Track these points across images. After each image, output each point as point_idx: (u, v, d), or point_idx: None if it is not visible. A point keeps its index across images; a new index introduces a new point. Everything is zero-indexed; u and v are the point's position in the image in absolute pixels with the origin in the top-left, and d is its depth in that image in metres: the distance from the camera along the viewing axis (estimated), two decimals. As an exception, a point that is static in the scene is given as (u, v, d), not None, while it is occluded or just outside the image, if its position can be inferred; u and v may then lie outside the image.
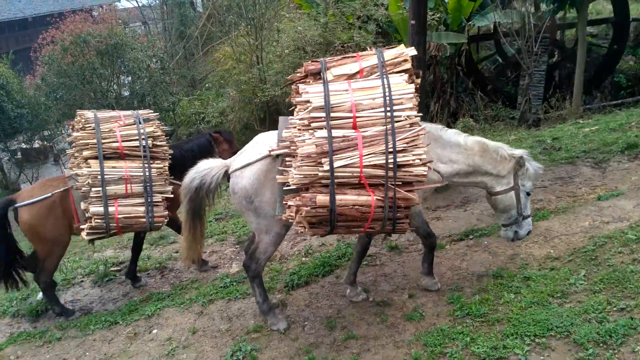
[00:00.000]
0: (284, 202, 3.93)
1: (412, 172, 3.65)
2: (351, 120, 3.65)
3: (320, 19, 12.11)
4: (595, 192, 5.83)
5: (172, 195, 5.51)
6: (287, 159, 3.94)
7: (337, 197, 3.62)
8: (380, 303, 4.65)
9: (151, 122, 5.57)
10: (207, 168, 4.37)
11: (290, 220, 3.92)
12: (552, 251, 4.85)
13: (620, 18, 12.01)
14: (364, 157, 3.58)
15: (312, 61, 3.99)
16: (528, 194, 4.36)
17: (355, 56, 3.98)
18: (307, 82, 3.91)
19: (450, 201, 6.62)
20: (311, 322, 4.58)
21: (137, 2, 25.49)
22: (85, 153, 5.22)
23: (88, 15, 17.27)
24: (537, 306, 4.05)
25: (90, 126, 5.30)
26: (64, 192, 5.36)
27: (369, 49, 4.27)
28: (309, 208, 3.61)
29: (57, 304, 5.71)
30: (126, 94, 16.30)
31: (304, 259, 5.83)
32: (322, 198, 3.60)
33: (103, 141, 5.24)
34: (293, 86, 4.04)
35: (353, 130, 3.66)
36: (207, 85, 18.20)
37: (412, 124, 3.67)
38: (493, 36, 13.16)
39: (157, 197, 5.40)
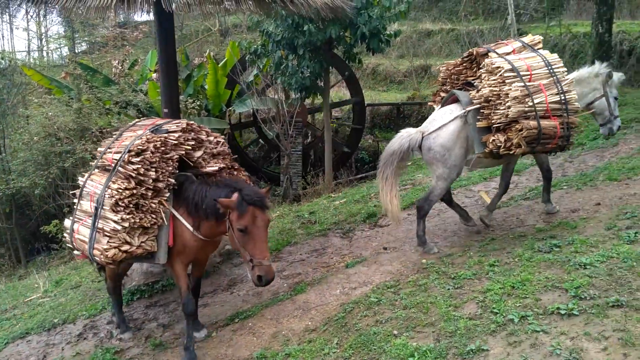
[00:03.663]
0: (482, 141, 5.55)
1: (574, 105, 5.49)
2: (529, 75, 5.39)
3: (73, 104, 11.44)
4: (345, 260, 6.41)
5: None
6: (481, 111, 5.56)
7: (541, 122, 5.30)
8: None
9: (157, 135, 4.75)
10: (409, 135, 5.86)
11: (494, 151, 5.47)
12: (309, 323, 5.09)
13: (357, 101, 13.97)
14: (548, 97, 5.36)
15: (478, 48, 6.01)
16: (616, 98, 6.10)
17: (504, 42, 6.01)
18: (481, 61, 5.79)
19: (217, 285, 6.57)
20: None
21: None
22: (92, 163, 5.08)
23: None
24: (296, 383, 4.15)
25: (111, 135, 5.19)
26: None
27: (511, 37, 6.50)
28: (526, 131, 5.22)
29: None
30: None
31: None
32: (534, 123, 5.27)
33: (108, 151, 4.84)
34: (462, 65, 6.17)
35: (533, 83, 5.38)
36: None
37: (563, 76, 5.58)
38: (254, 122, 14.04)
39: (109, 224, 4.36)
